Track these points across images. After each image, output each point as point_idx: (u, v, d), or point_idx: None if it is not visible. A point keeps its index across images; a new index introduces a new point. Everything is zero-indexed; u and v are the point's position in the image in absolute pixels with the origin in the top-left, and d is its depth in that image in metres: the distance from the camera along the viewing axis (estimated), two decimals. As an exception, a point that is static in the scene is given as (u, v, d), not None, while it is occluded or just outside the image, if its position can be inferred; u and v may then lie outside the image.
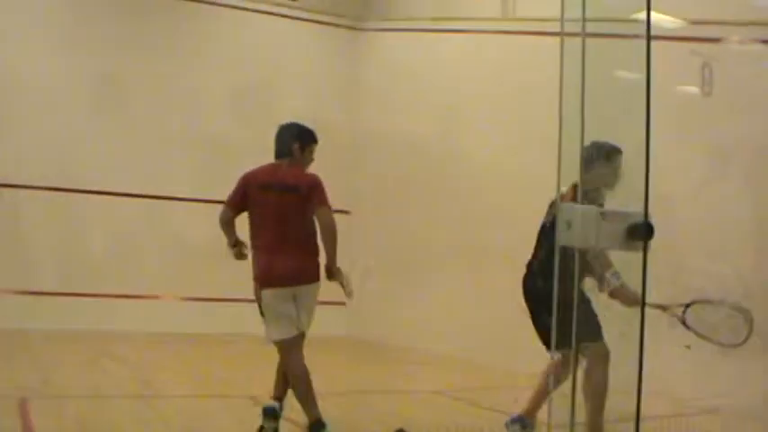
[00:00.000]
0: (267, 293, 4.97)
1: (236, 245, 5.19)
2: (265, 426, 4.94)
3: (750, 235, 6.47)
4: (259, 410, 4.97)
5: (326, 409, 5.09)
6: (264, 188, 5.05)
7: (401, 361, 9.76)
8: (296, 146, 5.17)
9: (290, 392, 5.01)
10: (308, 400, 4.85)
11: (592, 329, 4.32)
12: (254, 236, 5.11)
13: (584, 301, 4.18)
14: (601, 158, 4.32)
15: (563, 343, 3.97)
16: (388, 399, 5.36)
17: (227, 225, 5.20)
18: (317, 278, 5.02)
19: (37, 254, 10.04)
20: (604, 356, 4.40)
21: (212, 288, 10.75)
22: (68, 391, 6.42)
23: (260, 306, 5.07)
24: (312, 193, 4.99)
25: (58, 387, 6.56)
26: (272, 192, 5.02)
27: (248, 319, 10.36)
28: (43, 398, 5.88)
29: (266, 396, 5.11)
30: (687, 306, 4.37)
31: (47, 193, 10.28)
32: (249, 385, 7.01)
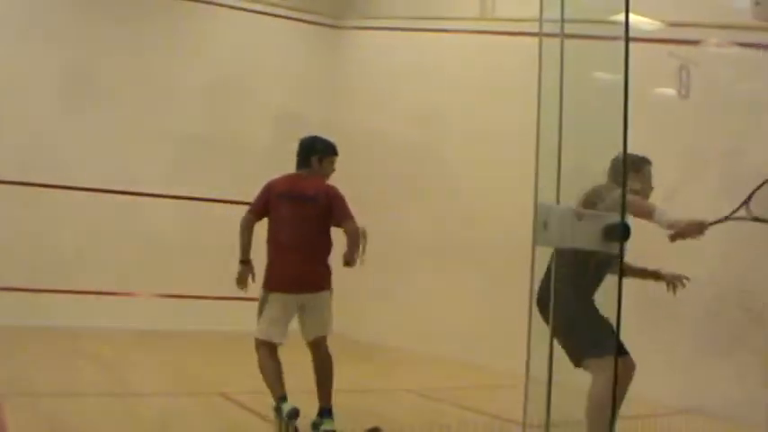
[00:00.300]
0: (272, 296, 5.18)
1: (246, 263, 5.31)
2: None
3: (725, 236, 6.51)
4: (229, 405, 5.02)
5: (303, 406, 5.09)
6: (284, 197, 5.28)
7: (381, 360, 9.75)
8: (314, 158, 5.41)
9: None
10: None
11: (593, 344, 3.98)
12: (270, 242, 5.30)
13: (588, 313, 4.02)
14: (630, 170, 4.30)
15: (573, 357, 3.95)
16: (366, 397, 5.37)
17: (247, 230, 5.35)
18: (324, 287, 5.27)
19: (12, 249, 9.94)
20: (606, 370, 3.95)
21: (186, 285, 10.73)
22: (42, 388, 6.35)
23: (260, 306, 5.24)
24: (333, 205, 5.25)
25: (31, 384, 6.48)
26: (291, 201, 5.26)
27: (222, 316, 10.47)
28: (16, 395, 5.82)
29: (238, 393, 5.12)
30: (747, 202, 4.07)
31: (18, 187, 10.16)
32: (222, 382, 7.00)
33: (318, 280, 5.25)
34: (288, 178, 5.41)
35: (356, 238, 5.21)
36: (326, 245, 5.34)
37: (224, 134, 11.33)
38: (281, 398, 5.00)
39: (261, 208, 5.35)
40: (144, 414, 5.66)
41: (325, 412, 5.16)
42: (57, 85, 10.40)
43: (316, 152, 5.43)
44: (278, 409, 5.00)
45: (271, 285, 5.19)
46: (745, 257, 6.38)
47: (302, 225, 5.22)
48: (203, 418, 5.68)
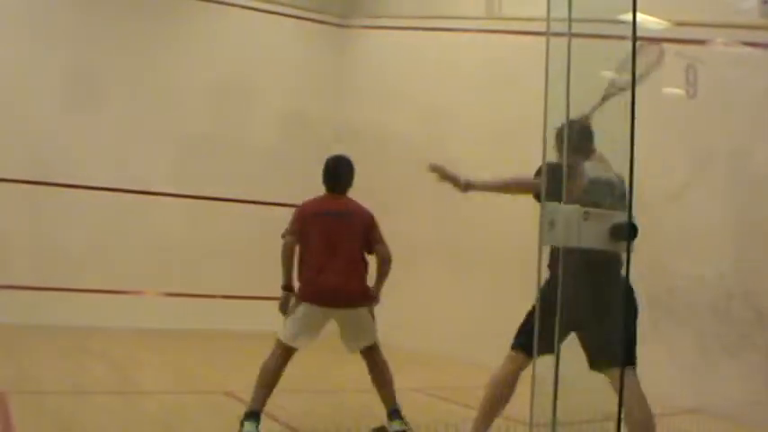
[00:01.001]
0: (303, 306, 5.13)
1: (289, 289, 5.24)
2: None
3: (732, 236, 6.51)
4: (233, 404, 4.96)
5: (306, 406, 5.08)
6: (319, 215, 5.29)
7: (388, 359, 9.71)
8: (347, 180, 5.47)
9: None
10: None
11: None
12: (304, 261, 5.26)
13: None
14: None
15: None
16: (373, 396, 5.37)
17: (290, 254, 5.27)
18: (359, 303, 5.24)
19: (19, 248, 9.98)
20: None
21: (194, 284, 10.75)
22: (49, 386, 6.38)
23: (290, 309, 5.17)
24: (368, 230, 5.33)
25: (38, 382, 6.51)
26: (327, 217, 5.27)
27: (229, 315, 10.49)
28: (22, 393, 5.84)
29: (242, 391, 5.11)
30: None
31: (26, 186, 10.20)
32: (226, 381, 7.01)
33: (353, 295, 5.22)
34: (321, 199, 5.42)
35: (388, 266, 5.28)
36: (363, 261, 5.34)
37: (231, 133, 11.35)
38: (254, 413, 4.89)
39: (297, 229, 5.29)
40: (150, 412, 5.67)
41: (393, 413, 5.18)
42: (66, 85, 10.43)
43: (350, 174, 5.50)
44: (245, 419, 4.88)
45: (304, 297, 5.16)
46: (752, 257, 6.37)
47: (340, 240, 5.22)
48: (209, 416, 5.69)
